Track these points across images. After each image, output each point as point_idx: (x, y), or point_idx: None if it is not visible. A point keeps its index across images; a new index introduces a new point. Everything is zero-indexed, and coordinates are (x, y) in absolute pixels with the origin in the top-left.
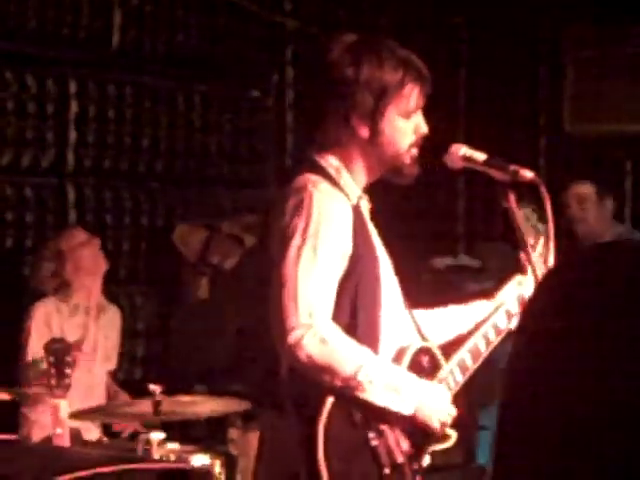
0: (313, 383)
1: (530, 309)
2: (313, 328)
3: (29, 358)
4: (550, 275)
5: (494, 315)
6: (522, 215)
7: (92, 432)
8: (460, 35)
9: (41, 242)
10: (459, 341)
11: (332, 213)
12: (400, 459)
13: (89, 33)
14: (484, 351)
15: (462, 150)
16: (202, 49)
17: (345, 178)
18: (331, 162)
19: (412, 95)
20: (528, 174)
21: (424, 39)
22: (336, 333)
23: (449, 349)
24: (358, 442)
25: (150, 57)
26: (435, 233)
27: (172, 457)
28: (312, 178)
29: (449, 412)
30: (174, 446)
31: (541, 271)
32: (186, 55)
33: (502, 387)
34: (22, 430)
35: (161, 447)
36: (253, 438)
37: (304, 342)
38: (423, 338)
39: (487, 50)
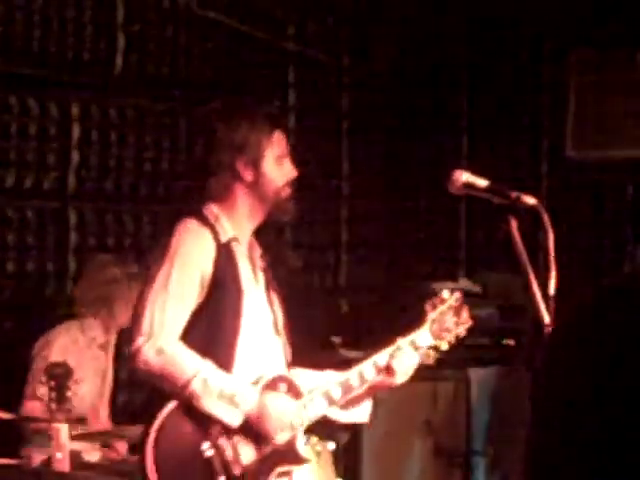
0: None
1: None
2: (152, 339)
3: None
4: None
5: (372, 359)
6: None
7: (93, 454)
8: (462, 59)
9: (89, 263)
10: None
11: (191, 248)
12: (237, 471)
13: (92, 56)
14: (356, 387)
15: (464, 176)
16: (204, 73)
17: (222, 222)
18: (212, 210)
19: (281, 142)
20: (530, 200)
21: (425, 63)
22: (175, 346)
23: None
24: (191, 452)
25: (152, 81)
26: (436, 258)
27: None
28: (187, 221)
29: (288, 424)
30: None
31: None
32: (188, 79)
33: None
34: (23, 454)
35: None
36: None
37: (142, 350)
38: (288, 369)
39: (489, 74)
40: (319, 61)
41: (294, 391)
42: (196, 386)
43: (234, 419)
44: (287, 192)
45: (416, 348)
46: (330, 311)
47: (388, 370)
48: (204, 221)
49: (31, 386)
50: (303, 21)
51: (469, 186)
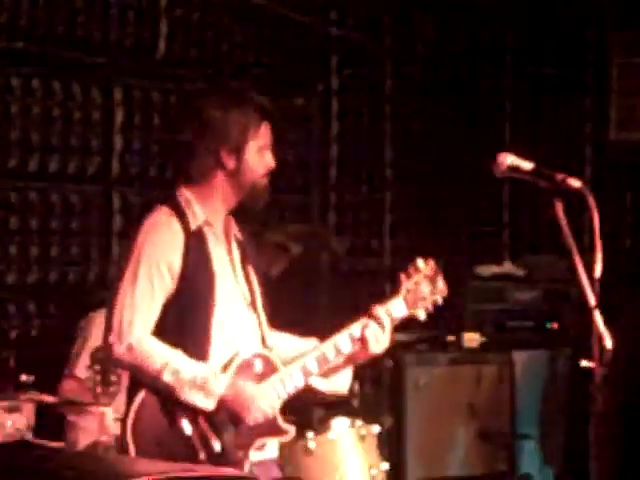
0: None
1: None
2: (122, 336)
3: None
4: None
5: (348, 330)
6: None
7: None
8: (505, 42)
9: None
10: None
11: (158, 243)
12: (217, 447)
13: (135, 41)
14: (332, 359)
15: (509, 159)
16: (247, 58)
17: (193, 207)
18: (185, 195)
19: (266, 133)
20: (575, 183)
21: (468, 46)
22: (145, 341)
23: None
24: (170, 430)
25: (195, 65)
26: (481, 242)
27: None
28: (155, 213)
29: (262, 407)
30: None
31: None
32: (231, 64)
33: None
34: (68, 438)
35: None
36: (298, 447)
37: (114, 347)
38: (264, 346)
39: (532, 58)
40: (362, 45)
41: (270, 367)
42: (167, 378)
43: (208, 404)
44: (264, 182)
45: (391, 319)
46: (374, 295)
47: (362, 341)
48: (175, 209)
49: (70, 366)
50: (345, 5)
51: (514, 169)
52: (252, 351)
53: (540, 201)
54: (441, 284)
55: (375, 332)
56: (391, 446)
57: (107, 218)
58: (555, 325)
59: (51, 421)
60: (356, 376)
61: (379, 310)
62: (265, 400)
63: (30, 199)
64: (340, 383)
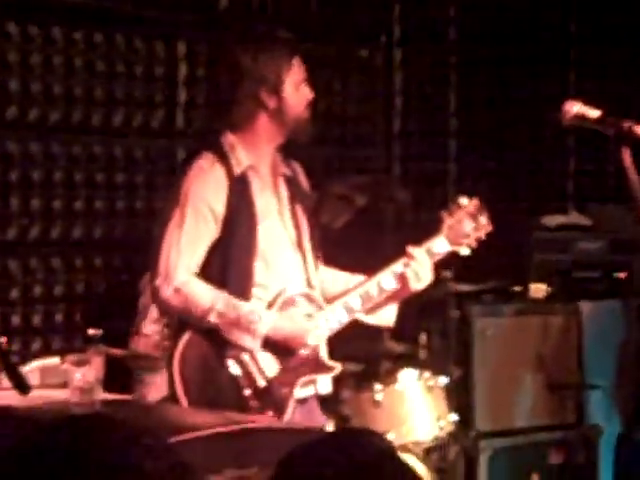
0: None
1: None
2: (169, 279)
3: (148, 319)
4: None
5: (389, 269)
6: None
7: None
8: None
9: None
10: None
11: (202, 188)
12: (261, 382)
13: None
14: (375, 296)
15: (575, 107)
16: (310, 9)
17: (237, 152)
18: (230, 140)
19: (299, 67)
20: None
21: None
22: (191, 283)
23: None
24: (215, 368)
25: (258, 18)
26: (546, 191)
27: None
28: (200, 159)
29: (306, 339)
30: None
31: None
32: (294, 15)
33: None
34: (137, 391)
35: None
36: (366, 399)
37: (161, 290)
38: (309, 286)
39: (598, 3)
40: None
41: (313, 305)
42: (213, 319)
43: (254, 344)
44: (306, 114)
45: (431, 255)
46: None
47: (403, 278)
48: (219, 154)
49: (137, 323)
50: None
51: (580, 117)
52: (295, 289)
53: (606, 149)
54: (484, 220)
55: (415, 269)
56: (459, 397)
57: (172, 172)
58: (622, 275)
59: (120, 375)
60: (423, 328)
61: (416, 250)
62: (311, 332)
63: (95, 153)
64: (386, 316)
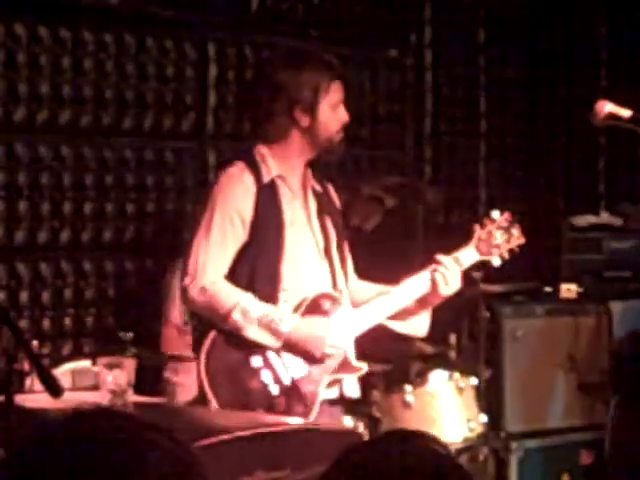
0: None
1: None
2: (196, 280)
3: (175, 311)
4: None
5: (418, 275)
6: None
7: None
8: None
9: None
10: None
11: (231, 194)
12: (287, 381)
13: None
14: (404, 301)
15: (607, 107)
16: (340, 10)
17: (268, 162)
18: (261, 151)
19: (337, 90)
20: None
21: None
22: (217, 284)
23: None
24: (241, 366)
25: (288, 19)
26: (577, 192)
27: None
28: (231, 167)
29: (330, 344)
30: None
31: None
32: (324, 16)
33: None
34: (167, 393)
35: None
36: (396, 400)
37: (188, 289)
38: (334, 289)
39: (628, 4)
40: None
41: (337, 308)
42: (236, 317)
43: (274, 343)
44: (339, 136)
45: (460, 264)
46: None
47: (432, 283)
48: (249, 163)
49: (166, 312)
50: None
51: (612, 117)
52: (320, 291)
53: (637, 148)
54: (517, 233)
55: (444, 273)
56: (489, 398)
57: (202, 174)
58: None
59: (151, 377)
60: (453, 328)
61: (443, 257)
62: (334, 336)
63: (125, 156)
64: (418, 325)
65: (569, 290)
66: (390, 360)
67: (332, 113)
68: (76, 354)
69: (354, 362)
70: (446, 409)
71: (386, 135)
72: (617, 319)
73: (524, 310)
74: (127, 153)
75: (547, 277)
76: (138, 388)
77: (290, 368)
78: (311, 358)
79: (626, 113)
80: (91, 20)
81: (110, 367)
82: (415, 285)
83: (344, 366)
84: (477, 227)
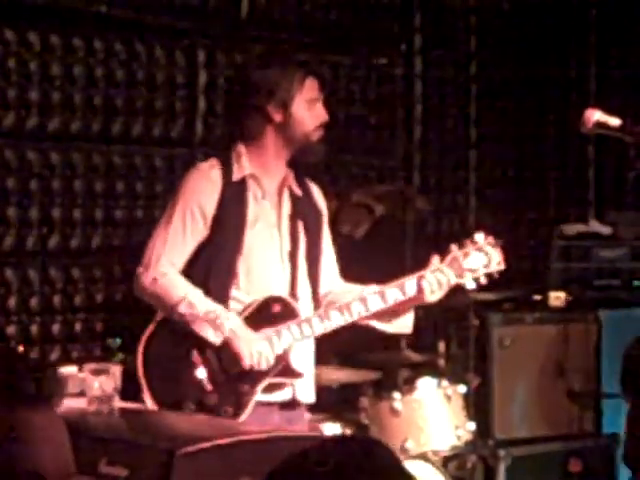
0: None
1: None
2: (149, 269)
3: None
4: None
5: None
6: None
7: None
8: None
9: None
10: None
11: (195, 188)
12: (221, 378)
13: (218, 2)
14: (363, 313)
15: (596, 115)
16: (330, 18)
17: (242, 162)
18: (238, 149)
19: (312, 87)
20: None
21: (552, 3)
22: (169, 275)
23: None
24: (178, 359)
25: (278, 27)
26: (566, 200)
27: None
28: (199, 164)
29: (259, 351)
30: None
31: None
32: (314, 24)
33: None
34: None
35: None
36: (384, 407)
37: (141, 278)
38: (292, 294)
39: (618, 13)
40: (444, 4)
41: (289, 312)
42: (182, 310)
43: (216, 339)
44: (317, 135)
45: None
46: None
47: (419, 290)
48: (221, 160)
49: None
50: None
51: (601, 125)
52: (270, 295)
53: (625, 157)
54: (497, 258)
55: (431, 283)
56: (478, 406)
57: None
58: None
59: (137, 383)
60: (442, 336)
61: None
62: (264, 346)
63: (114, 163)
64: (403, 324)
65: (558, 298)
66: (379, 367)
67: (308, 110)
68: (63, 360)
69: (294, 368)
70: (434, 416)
71: (376, 143)
72: (606, 327)
73: (513, 318)
74: (116, 160)
75: (536, 285)
76: (125, 394)
77: (227, 367)
78: (235, 362)
79: (615, 122)
80: (80, 27)
81: (96, 373)
82: (393, 294)
83: (284, 371)
84: (454, 247)
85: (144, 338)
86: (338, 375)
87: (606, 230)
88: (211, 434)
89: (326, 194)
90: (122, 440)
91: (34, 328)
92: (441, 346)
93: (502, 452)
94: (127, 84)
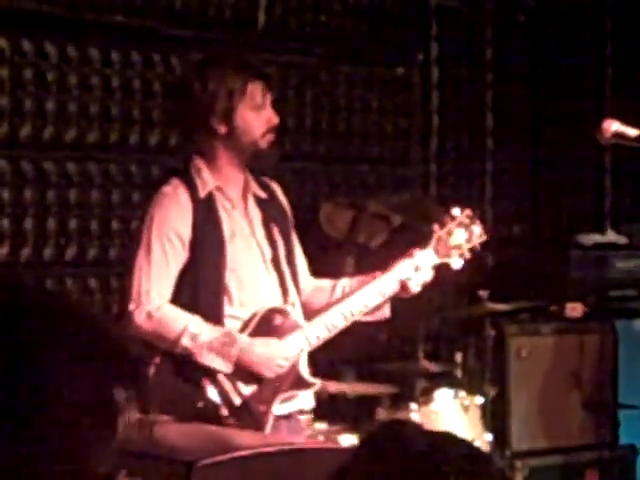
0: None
1: None
2: (142, 305)
3: None
4: None
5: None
6: None
7: None
8: (605, 7)
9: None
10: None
11: (167, 215)
12: (237, 401)
13: (235, 13)
14: (355, 314)
15: (614, 126)
16: (347, 28)
17: (203, 175)
18: (197, 164)
19: (256, 93)
20: None
21: (568, 11)
22: (163, 308)
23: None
24: (190, 390)
25: (295, 37)
26: (582, 210)
27: (320, 437)
28: (166, 185)
29: (279, 361)
30: (322, 426)
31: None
32: (331, 34)
33: None
34: None
35: (309, 427)
36: (401, 418)
37: (134, 316)
38: (285, 302)
39: (633, 22)
40: (461, 12)
41: (290, 321)
42: (186, 342)
43: (226, 368)
44: (266, 141)
45: (416, 269)
46: (476, 265)
47: (402, 285)
48: (184, 179)
49: None
50: None
51: (619, 135)
52: (269, 307)
53: None
54: (478, 230)
55: (412, 278)
56: (495, 417)
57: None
58: None
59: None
60: (459, 347)
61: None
62: (280, 354)
63: (131, 172)
64: (382, 311)
65: (574, 309)
66: (396, 379)
67: (254, 116)
68: None
69: (307, 378)
70: (451, 428)
71: (392, 152)
72: (622, 338)
73: (530, 329)
74: (112, 169)
75: (553, 295)
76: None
77: (241, 388)
78: (261, 378)
79: (633, 132)
80: (96, 37)
81: None
82: (381, 287)
83: (297, 382)
84: (436, 227)
85: (149, 377)
86: (355, 387)
87: (622, 240)
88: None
89: (342, 204)
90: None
91: None
92: (458, 357)
93: (519, 463)
94: (143, 94)
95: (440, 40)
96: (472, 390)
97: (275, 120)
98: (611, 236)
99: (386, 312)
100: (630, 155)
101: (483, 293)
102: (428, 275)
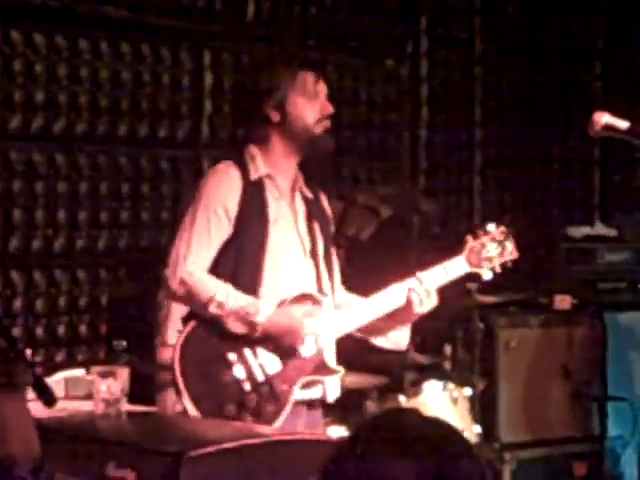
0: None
1: None
2: (177, 271)
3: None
4: None
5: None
6: None
7: None
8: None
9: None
10: None
11: (216, 189)
12: (261, 378)
13: (224, 5)
14: (380, 310)
15: (604, 118)
16: (336, 20)
17: (257, 162)
18: (251, 151)
19: (307, 81)
20: None
21: (559, 5)
22: (196, 275)
23: None
24: (216, 360)
25: (284, 28)
26: (571, 203)
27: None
28: (218, 165)
29: (307, 332)
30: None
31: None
32: (320, 26)
33: None
34: (160, 402)
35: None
36: None
37: (168, 280)
38: (319, 290)
39: (625, 16)
40: (450, 8)
41: (320, 308)
42: (213, 310)
43: (253, 332)
44: (320, 127)
45: (448, 274)
46: None
47: (407, 302)
48: (238, 161)
49: (161, 334)
50: None
51: (609, 128)
52: (302, 291)
53: (632, 160)
54: (510, 247)
55: (420, 294)
56: (483, 409)
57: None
58: None
59: (145, 386)
60: (448, 339)
61: (425, 273)
62: (312, 324)
63: (120, 164)
64: (399, 339)
65: (564, 301)
66: (384, 370)
67: (306, 103)
68: (69, 362)
69: (331, 364)
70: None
71: (382, 145)
72: (611, 330)
73: (518, 321)
74: (122, 161)
75: (542, 288)
76: (132, 397)
77: (265, 365)
78: (289, 349)
79: (623, 124)
80: (86, 28)
81: (104, 376)
82: (393, 295)
83: (321, 368)
84: (470, 238)
85: (182, 338)
86: (344, 379)
87: (612, 233)
88: (219, 437)
89: (331, 196)
90: (130, 443)
91: (39, 330)
92: (447, 349)
93: (508, 455)
94: (133, 85)
95: (429, 32)
96: (461, 382)
97: (329, 109)
98: (600, 229)
99: (403, 343)
100: (619, 147)
101: (472, 285)
102: (432, 298)
